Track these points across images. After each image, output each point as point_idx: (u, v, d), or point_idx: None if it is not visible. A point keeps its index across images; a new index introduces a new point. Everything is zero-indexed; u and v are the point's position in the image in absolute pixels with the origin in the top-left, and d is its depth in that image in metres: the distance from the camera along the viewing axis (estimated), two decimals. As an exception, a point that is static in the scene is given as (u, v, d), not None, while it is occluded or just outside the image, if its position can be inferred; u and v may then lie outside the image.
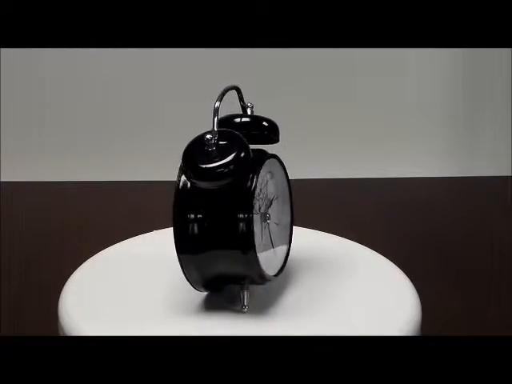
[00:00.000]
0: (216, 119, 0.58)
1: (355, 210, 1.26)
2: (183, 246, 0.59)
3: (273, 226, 0.64)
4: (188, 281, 0.61)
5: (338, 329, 0.60)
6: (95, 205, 1.27)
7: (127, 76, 1.38)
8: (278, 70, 1.37)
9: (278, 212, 0.65)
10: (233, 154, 0.57)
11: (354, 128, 1.41)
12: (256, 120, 0.63)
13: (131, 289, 0.66)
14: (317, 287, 0.66)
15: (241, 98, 0.64)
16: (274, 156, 0.63)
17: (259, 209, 0.61)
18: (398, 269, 0.70)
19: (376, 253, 0.73)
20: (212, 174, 0.57)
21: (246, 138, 0.59)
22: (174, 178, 0.60)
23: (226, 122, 0.62)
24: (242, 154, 0.57)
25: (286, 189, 0.66)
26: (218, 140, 0.58)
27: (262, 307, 0.62)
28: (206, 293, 0.64)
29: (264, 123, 0.63)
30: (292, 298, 0.64)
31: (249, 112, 0.64)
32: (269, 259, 0.62)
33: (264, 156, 0.62)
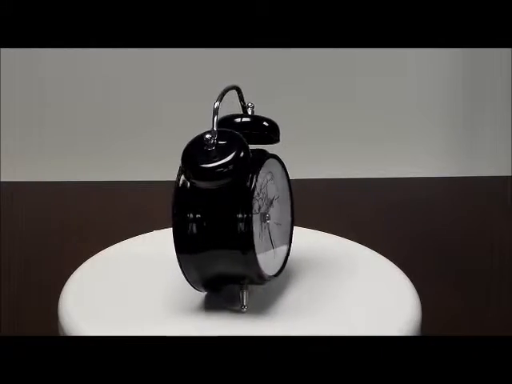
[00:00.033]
0: (216, 119, 0.58)
1: (355, 210, 1.26)
2: (182, 246, 0.59)
3: (273, 226, 0.64)
4: (187, 280, 0.61)
5: (338, 329, 0.60)
6: (95, 205, 1.27)
7: (127, 76, 1.38)
8: (278, 70, 1.37)
9: (279, 212, 0.65)
10: (232, 154, 0.57)
11: (354, 128, 1.41)
12: (256, 120, 0.63)
13: (131, 289, 0.66)
14: (317, 287, 0.66)
15: (241, 98, 0.64)
16: (275, 156, 0.63)
17: (259, 209, 0.61)
18: (398, 269, 0.70)
19: (376, 253, 0.73)
20: (211, 173, 0.57)
21: (246, 138, 0.59)
22: (174, 178, 0.60)
23: (227, 122, 0.62)
24: (242, 154, 0.57)
25: (287, 189, 0.66)
26: (218, 140, 0.58)
27: (261, 307, 0.62)
28: (205, 293, 0.64)
29: (264, 123, 0.63)
30: (292, 298, 0.64)
31: (249, 112, 0.64)
32: (268, 259, 0.62)
33: (264, 156, 0.62)
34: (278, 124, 0.64)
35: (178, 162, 0.59)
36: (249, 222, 0.58)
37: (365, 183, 1.37)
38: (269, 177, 0.63)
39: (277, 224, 0.65)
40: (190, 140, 0.59)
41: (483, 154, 1.42)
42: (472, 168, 1.42)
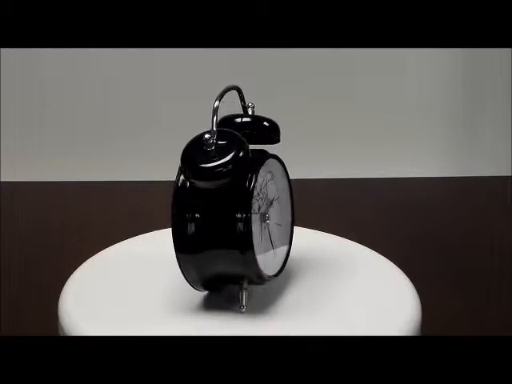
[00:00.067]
0: (215, 119, 0.58)
1: (355, 210, 1.26)
2: (182, 246, 0.59)
3: (273, 227, 0.64)
4: (186, 280, 0.61)
5: (338, 329, 0.60)
6: (95, 205, 1.27)
7: (127, 76, 1.38)
8: (278, 70, 1.37)
9: (279, 212, 0.65)
10: (231, 154, 0.57)
11: (354, 128, 1.41)
12: (257, 120, 0.63)
13: (131, 289, 0.66)
14: (317, 287, 0.66)
15: (241, 98, 0.64)
16: (275, 156, 0.63)
17: (258, 209, 0.61)
18: (398, 269, 0.70)
19: (376, 253, 0.73)
20: (210, 173, 0.57)
21: (246, 138, 0.59)
22: (174, 178, 0.60)
23: (227, 122, 0.62)
24: (241, 154, 0.57)
25: (287, 189, 0.66)
26: (217, 140, 0.58)
27: (261, 307, 0.62)
28: (205, 293, 0.64)
29: (265, 123, 0.63)
30: (292, 298, 0.64)
31: (250, 112, 0.64)
32: (268, 259, 0.62)
33: (264, 156, 0.62)
34: (278, 124, 0.64)
35: (178, 162, 0.59)
36: (248, 222, 0.58)
37: (365, 183, 1.37)
38: (269, 177, 0.63)
39: (277, 224, 0.65)
40: (189, 140, 0.59)
41: (483, 154, 1.43)
42: (472, 168, 1.42)
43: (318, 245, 0.74)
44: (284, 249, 0.66)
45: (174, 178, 0.60)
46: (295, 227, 0.68)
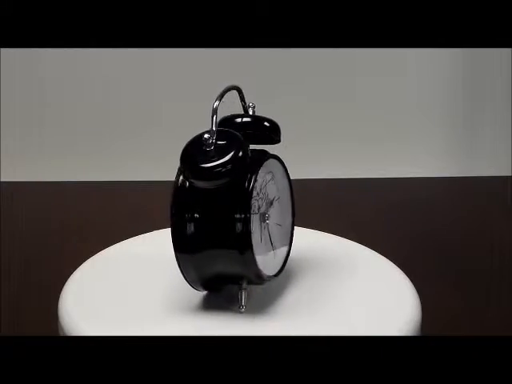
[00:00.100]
0: (215, 119, 0.58)
1: (355, 210, 1.26)
2: (181, 246, 0.59)
3: (273, 227, 0.64)
4: (186, 280, 0.61)
5: (338, 329, 0.60)
6: (95, 205, 1.27)
7: (127, 76, 1.38)
8: (278, 70, 1.37)
9: (279, 213, 0.65)
10: (231, 154, 0.57)
11: (354, 128, 1.41)
12: (257, 120, 0.63)
13: (131, 289, 0.66)
14: (317, 287, 0.66)
15: (242, 98, 0.64)
16: (275, 156, 0.63)
17: (258, 209, 0.61)
18: (398, 269, 0.70)
19: (376, 253, 0.73)
20: (210, 173, 0.57)
21: (247, 138, 0.59)
22: (174, 178, 0.60)
23: (227, 122, 0.62)
24: (240, 154, 0.57)
25: (287, 189, 0.66)
26: (217, 140, 0.58)
27: (261, 307, 0.62)
28: (205, 293, 0.64)
29: (265, 123, 0.63)
30: (292, 298, 0.64)
31: (250, 112, 0.64)
32: (268, 259, 0.62)
33: (264, 156, 0.62)
34: (279, 124, 0.64)
35: (178, 162, 0.59)
36: (247, 222, 0.58)
37: (365, 183, 1.37)
38: (269, 177, 0.63)
39: (277, 224, 0.65)
40: (189, 140, 0.59)
41: (483, 154, 1.42)
42: (472, 168, 1.42)
43: (318, 245, 0.74)
44: (284, 249, 0.66)
45: (173, 178, 0.60)
46: (295, 227, 0.68)
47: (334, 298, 0.64)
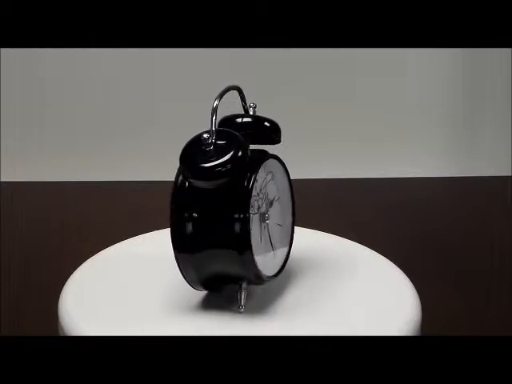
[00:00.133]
0: (214, 118, 0.58)
1: (355, 210, 1.26)
2: (180, 245, 0.59)
3: (273, 227, 0.64)
4: (185, 280, 0.61)
5: (338, 329, 0.60)
6: (95, 205, 1.27)
7: (127, 76, 1.38)
8: (278, 70, 1.37)
9: (279, 213, 0.65)
10: (230, 154, 0.57)
11: (354, 128, 1.41)
12: (258, 120, 0.63)
13: (131, 289, 0.66)
14: (317, 287, 0.66)
15: (242, 98, 0.64)
16: (275, 157, 0.63)
17: (258, 209, 0.61)
18: (398, 269, 0.70)
19: (376, 253, 0.73)
20: (209, 173, 0.57)
21: (247, 138, 0.59)
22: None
23: (228, 122, 0.62)
24: (239, 154, 0.57)
25: (288, 190, 0.66)
26: (216, 139, 0.58)
27: (261, 307, 0.62)
28: (205, 293, 0.64)
29: (266, 123, 0.63)
30: (292, 298, 0.64)
31: (251, 112, 0.64)
32: (268, 260, 0.62)
33: (264, 156, 0.62)
34: (278, 124, 0.64)
35: (178, 162, 0.59)
36: (246, 222, 0.58)
37: (365, 183, 1.37)
38: (269, 177, 0.63)
39: (277, 225, 0.65)
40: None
41: (483, 154, 1.42)
42: (472, 168, 1.42)
43: (318, 245, 0.74)
44: (284, 249, 0.66)
45: (173, 178, 0.60)
46: (295, 227, 0.67)
47: (334, 298, 0.64)
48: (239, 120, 0.63)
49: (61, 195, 1.31)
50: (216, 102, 0.59)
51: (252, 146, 0.61)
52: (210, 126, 0.58)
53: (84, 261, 0.72)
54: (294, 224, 0.67)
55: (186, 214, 0.59)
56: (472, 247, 1.12)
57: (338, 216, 1.21)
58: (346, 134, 1.41)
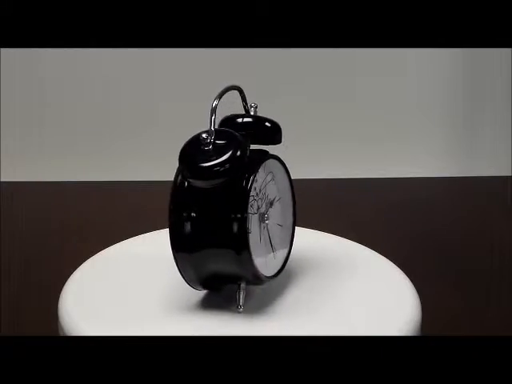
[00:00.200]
0: (213, 118, 0.58)
1: (355, 210, 1.26)
2: (179, 245, 0.59)
3: (273, 227, 0.64)
4: (184, 279, 0.61)
5: (338, 329, 0.60)
6: (95, 205, 1.27)
7: (127, 76, 1.38)
8: (279, 70, 1.37)
9: (280, 213, 0.65)
10: (229, 153, 0.57)
11: (354, 128, 1.41)
12: (258, 120, 0.63)
13: (131, 289, 0.66)
14: (317, 287, 0.66)
15: (243, 98, 0.64)
16: (276, 157, 0.63)
17: (257, 209, 0.61)
18: (398, 269, 0.70)
19: (376, 253, 0.73)
20: (208, 172, 0.57)
21: (247, 138, 0.59)
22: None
23: (229, 122, 0.62)
24: (238, 153, 0.57)
25: (288, 190, 0.66)
26: (215, 139, 0.58)
27: (261, 307, 0.62)
28: (204, 293, 0.64)
29: (266, 124, 0.63)
30: (291, 298, 0.64)
31: (252, 112, 0.64)
32: (267, 260, 0.62)
33: (264, 156, 0.62)
34: (279, 124, 0.64)
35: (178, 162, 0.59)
36: (244, 222, 0.58)
37: (365, 183, 1.37)
38: (269, 177, 0.63)
39: (278, 225, 0.65)
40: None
41: (483, 154, 1.42)
42: (472, 168, 1.42)
43: (318, 245, 0.74)
44: (284, 250, 0.66)
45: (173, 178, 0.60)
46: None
47: (334, 297, 0.64)
48: (240, 120, 0.63)
49: (61, 195, 1.31)
50: (215, 102, 0.59)
51: (253, 146, 0.61)
52: (209, 126, 0.58)
53: (84, 261, 0.72)
54: (294, 224, 0.67)
55: (184, 214, 0.59)
56: (472, 247, 1.12)
57: (338, 216, 1.21)
58: (346, 133, 1.41)
